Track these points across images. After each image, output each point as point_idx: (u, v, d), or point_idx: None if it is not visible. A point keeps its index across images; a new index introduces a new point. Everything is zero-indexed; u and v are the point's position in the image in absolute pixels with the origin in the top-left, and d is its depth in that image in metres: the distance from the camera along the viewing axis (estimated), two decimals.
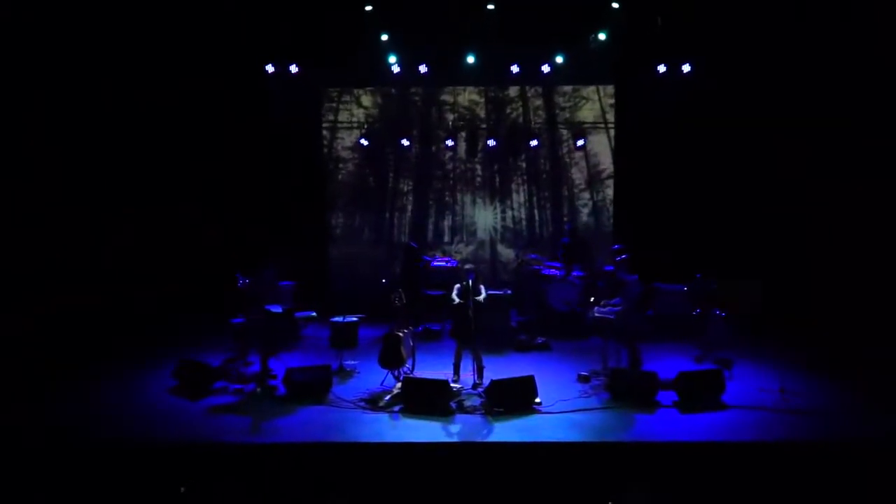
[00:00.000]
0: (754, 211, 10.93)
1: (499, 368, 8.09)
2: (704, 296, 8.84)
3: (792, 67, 10.40)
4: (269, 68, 10.83)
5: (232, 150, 11.41)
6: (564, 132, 12.04)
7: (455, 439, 6.16)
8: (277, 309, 7.95)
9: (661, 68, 10.67)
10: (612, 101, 11.85)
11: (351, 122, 12.16)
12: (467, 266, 7.89)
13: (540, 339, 9.47)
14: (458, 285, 7.65)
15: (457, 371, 7.72)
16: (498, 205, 12.19)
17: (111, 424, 6.51)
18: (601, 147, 11.96)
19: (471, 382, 7.55)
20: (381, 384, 7.62)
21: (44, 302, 9.89)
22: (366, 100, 12.15)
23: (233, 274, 7.84)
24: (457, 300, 7.52)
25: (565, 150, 12.07)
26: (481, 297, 7.57)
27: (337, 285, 12.06)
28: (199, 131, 11.26)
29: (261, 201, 11.53)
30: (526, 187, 12.20)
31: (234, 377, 7.70)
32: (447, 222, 12.26)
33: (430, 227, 12.10)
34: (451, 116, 12.11)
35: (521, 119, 12.06)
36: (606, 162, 11.99)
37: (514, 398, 6.84)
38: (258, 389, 7.45)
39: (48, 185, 10.16)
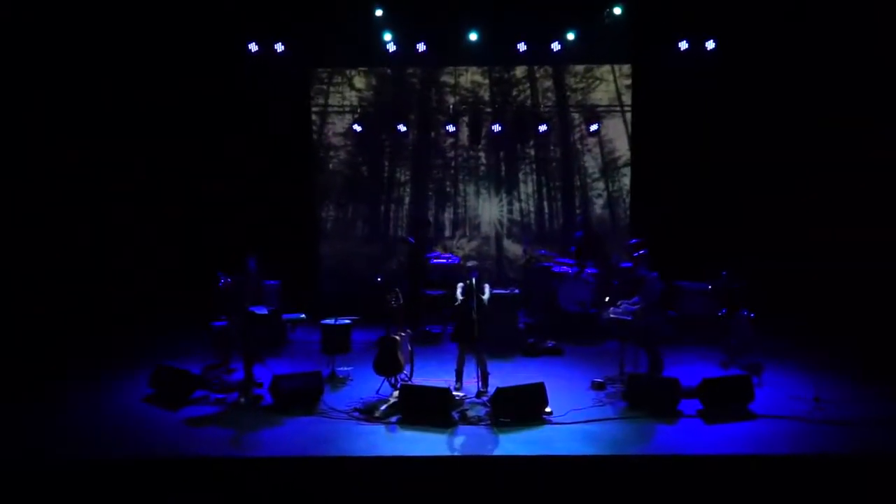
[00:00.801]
0: (786, 202, 10.89)
1: (505, 375, 8.07)
2: (731, 295, 8.83)
3: (830, 41, 10.29)
4: (252, 47, 10.77)
5: (212, 138, 11.38)
6: (576, 116, 11.99)
7: (457, 453, 6.15)
8: (262, 310, 7.94)
9: (683, 45, 10.62)
10: (628, 81, 11.80)
11: (342, 105, 12.11)
12: (470, 263, 7.88)
13: (550, 343, 9.47)
14: (461, 284, 7.64)
15: (459, 378, 7.71)
16: (504, 196, 12.15)
17: (80, 438, 6.49)
18: (617, 132, 11.90)
19: (475, 390, 7.54)
20: (377, 393, 7.61)
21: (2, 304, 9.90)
22: (359, 81, 12.11)
23: (213, 272, 7.83)
24: (460, 299, 7.52)
25: (577, 135, 12.02)
26: (485, 296, 7.56)
27: (328, 284, 12.03)
28: (175, 117, 11.22)
29: (244, 193, 11.50)
30: (534, 176, 12.16)
31: (215, 385, 7.70)
32: (448, 215, 12.22)
33: (432, 220, 12.01)
34: (452, 99, 12.06)
35: (528, 102, 12.01)
36: (622, 148, 11.94)
37: (522, 407, 6.83)
38: (242, 399, 7.45)
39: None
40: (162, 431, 6.62)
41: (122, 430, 6.67)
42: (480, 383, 7.56)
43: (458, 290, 7.61)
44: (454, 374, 7.74)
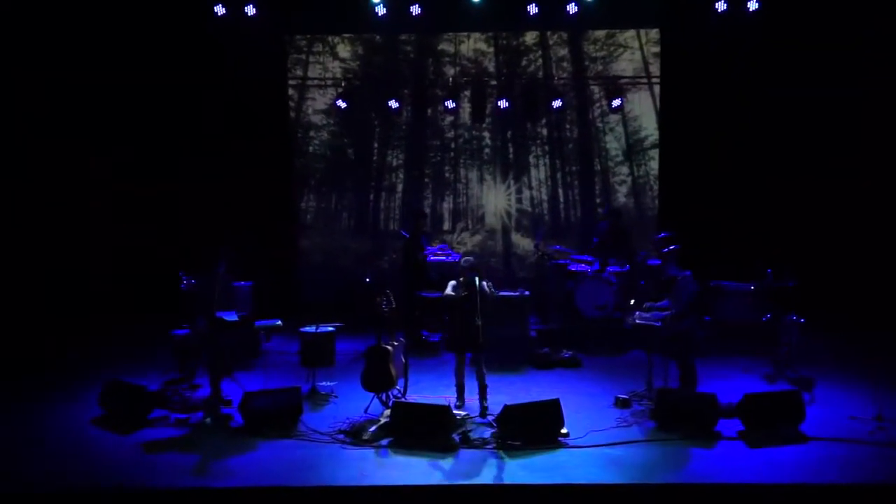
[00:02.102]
0: (844, 187, 10.86)
1: (514, 390, 8.06)
2: (777, 296, 8.83)
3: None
4: (219, 10, 10.74)
5: (174, 115, 11.37)
6: (596, 89, 11.98)
7: (459, 481, 6.11)
8: (232, 316, 7.93)
9: (721, 5, 10.58)
10: (656, 48, 11.81)
11: (325, 78, 12.11)
12: (465, 260, 7.78)
13: (566, 353, 9.47)
14: (452, 282, 7.67)
15: (461, 394, 7.70)
16: (512, 183, 12.15)
17: (17, 467, 6.43)
18: (643, 108, 11.91)
19: (479, 408, 7.52)
20: (365, 412, 7.60)
21: None
22: (343, 50, 12.09)
23: (175, 272, 7.79)
24: (450, 293, 7.50)
25: (598, 112, 12.02)
26: (487, 287, 7.53)
27: (308, 286, 12.06)
28: (132, 91, 11.19)
29: (211, 181, 11.52)
30: (547, 160, 12.15)
31: (176, 404, 7.69)
32: (448, 205, 12.24)
33: (427, 210, 11.97)
34: (451, 71, 12.06)
35: (540, 73, 12.02)
36: (650, 127, 11.94)
37: (533, 428, 6.82)
38: (207, 419, 7.45)
39: None
40: (112, 459, 6.56)
41: (65, 458, 6.61)
42: (479, 398, 7.56)
43: (449, 289, 7.60)
44: (455, 389, 7.73)
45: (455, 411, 7.26)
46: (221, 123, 11.50)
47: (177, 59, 11.16)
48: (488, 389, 7.58)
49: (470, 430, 7.03)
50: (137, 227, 11.41)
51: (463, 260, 7.80)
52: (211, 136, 11.49)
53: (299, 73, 12.13)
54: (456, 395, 7.69)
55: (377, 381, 7.60)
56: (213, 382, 7.67)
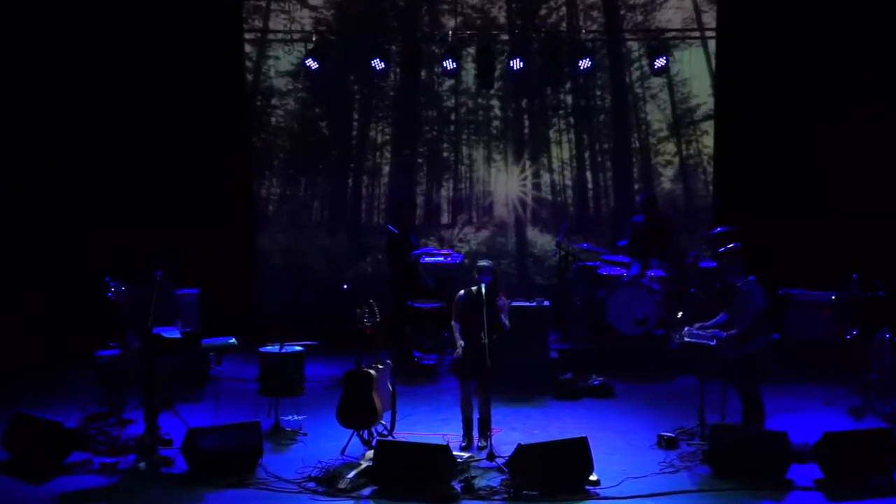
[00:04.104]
0: None
1: (530, 426, 8.08)
2: (865, 309, 8.85)
3: None
4: None
5: (100, 81, 11.36)
6: (635, 46, 11.96)
7: None
8: (173, 333, 7.93)
9: None
10: None
11: (290, 31, 12.09)
12: (482, 262, 7.82)
13: (596, 380, 9.45)
14: (461, 292, 7.70)
15: (467, 431, 7.74)
16: (528, 164, 12.14)
17: None
18: (695, 70, 11.89)
19: (487, 448, 7.49)
20: (342, 453, 7.56)
21: None
22: None
23: (101, 278, 7.79)
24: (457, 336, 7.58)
25: (636, 75, 12.00)
26: (505, 317, 7.57)
27: (270, 295, 12.06)
28: (47, 51, 11.17)
29: (147, 163, 11.49)
30: (572, 136, 12.14)
31: (102, 444, 7.63)
32: (446, 193, 12.24)
33: (421, 199, 12.03)
34: (451, 22, 12.03)
35: (563, 26, 12.00)
36: (702, 93, 11.93)
37: (554, 474, 6.78)
38: (141, 463, 7.37)
39: None
40: None
41: None
42: (478, 434, 7.62)
43: (459, 300, 7.65)
44: (461, 424, 7.77)
45: (456, 452, 7.22)
46: (156, 88, 11.49)
47: (107, 12, 11.22)
48: (497, 424, 7.59)
49: (475, 477, 6.97)
50: (48, 219, 11.38)
51: (479, 263, 7.82)
52: (142, 104, 11.48)
53: (258, 24, 12.13)
54: (462, 434, 7.72)
55: (357, 414, 7.57)
56: (149, 417, 7.60)
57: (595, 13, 11.98)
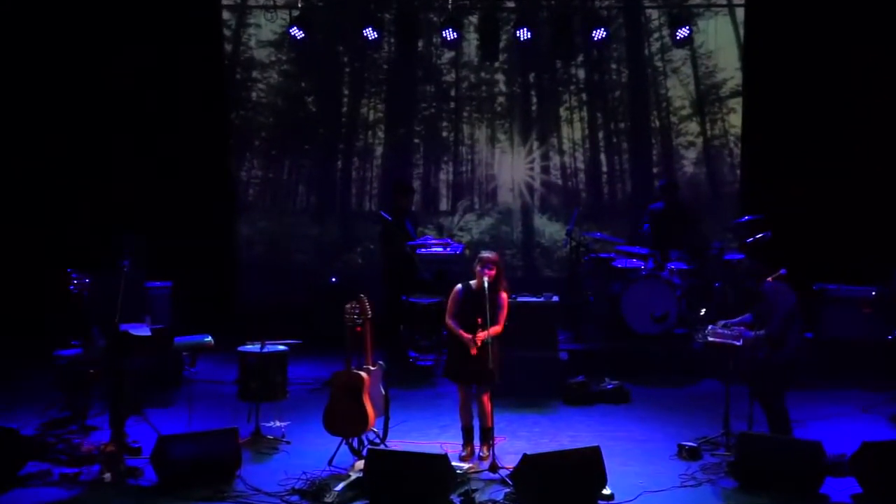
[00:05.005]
0: None
1: (538, 434, 8.08)
2: None
3: None
4: None
5: (56, 54, 11.35)
6: (655, 14, 11.98)
7: None
8: (143, 330, 7.93)
9: None
10: None
11: None
12: (485, 254, 7.80)
13: (610, 384, 9.47)
14: (459, 286, 7.70)
15: (467, 440, 7.75)
16: (535, 145, 12.17)
17: None
18: (721, 41, 11.91)
19: (490, 458, 7.51)
20: (330, 464, 7.58)
21: None
22: None
23: (62, 269, 7.75)
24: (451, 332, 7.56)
25: (657, 46, 12.03)
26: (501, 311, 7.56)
27: (250, 288, 12.10)
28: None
29: (112, 142, 11.50)
30: (584, 114, 12.17)
31: (62, 454, 7.63)
32: (445, 176, 12.27)
33: (418, 183, 12.05)
34: None
35: None
36: (730, 67, 11.96)
37: (564, 488, 6.76)
38: (106, 475, 7.34)
39: None
40: None
41: None
42: (479, 443, 7.62)
43: (457, 295, 7.63)
44: (461, 432, 7.77)
45: (456, 463, 7.25)
46: (126, 60, 11.50)
47: None
48: (501, 432, 7.59)
49: (475, 490, 6.97)
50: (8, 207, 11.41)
51: (481, 254, 7.77)
52: (111, 77, 11.49)
53: None
54: (462, 442, 7.73)
55: (346, 420, 7.58)
56: (115, 423, 7.61)
57: None
